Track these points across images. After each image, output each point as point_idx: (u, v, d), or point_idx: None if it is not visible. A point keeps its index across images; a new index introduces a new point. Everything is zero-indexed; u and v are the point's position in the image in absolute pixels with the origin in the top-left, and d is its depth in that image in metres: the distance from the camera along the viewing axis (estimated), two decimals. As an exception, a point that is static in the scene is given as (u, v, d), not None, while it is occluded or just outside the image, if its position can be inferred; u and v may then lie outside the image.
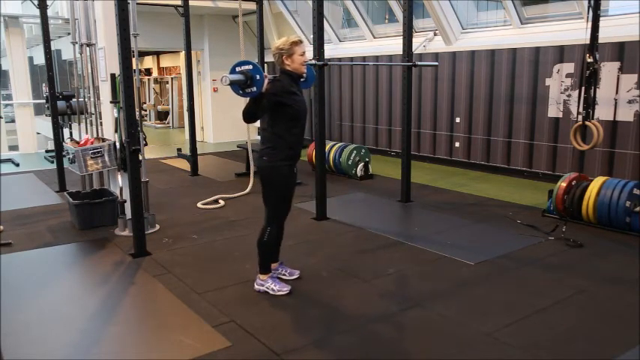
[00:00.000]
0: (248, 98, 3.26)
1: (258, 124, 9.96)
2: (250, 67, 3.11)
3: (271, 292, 3.48)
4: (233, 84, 3.13)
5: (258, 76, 3.09)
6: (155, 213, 5.16)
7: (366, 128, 9.54)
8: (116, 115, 4.90)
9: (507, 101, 7.22)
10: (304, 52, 3.38)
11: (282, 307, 3.34)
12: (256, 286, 3.54)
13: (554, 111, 6.69)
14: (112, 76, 4.75)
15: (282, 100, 3.25)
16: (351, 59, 9.44)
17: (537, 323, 3.08)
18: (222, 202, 5.99)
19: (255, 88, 3.11)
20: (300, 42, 3.35)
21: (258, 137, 9.47)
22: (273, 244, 3.58)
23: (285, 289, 3.49)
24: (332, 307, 3.34)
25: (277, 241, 3.69)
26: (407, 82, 5.78)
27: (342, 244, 4.59)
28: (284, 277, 3.72)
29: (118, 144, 4.83)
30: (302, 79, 3.46)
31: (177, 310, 3.32)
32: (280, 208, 3.54)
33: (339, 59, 9.73)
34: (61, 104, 7.75)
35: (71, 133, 7.66)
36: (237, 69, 3.13)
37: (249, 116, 3.34)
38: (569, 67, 6.47)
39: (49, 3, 6.81)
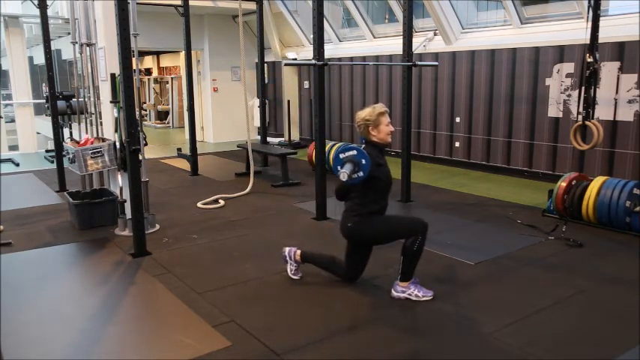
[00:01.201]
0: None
1: (257, 123, 9.98)
2: (355, 152, 3.12)
3: (414, 299, 3.37)
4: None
5: (364, 161, 3.11)
6: (155, 213, 5.16)
7: (366, 128, 9.52)
8: (116, 115, 4.90)
9: (507, 101, 7.22)
10: (389, 122, 3.39)
11: (282, 307, 3.34)
12: (395, 293, 3.41)
13: (554, 111, 6.70)
14: (112, 76, 4.75)
15: (373, 174, 3.24)
16: (351, 59, 9.44)
17: (537, 323, 3.08)
18: (222, 202, 5.99)
19: (362, 173, 3.12)
20: (386, 112, 3.37)
21: (258, 137, 9.47)
22: (422, 250, 3.35)
23: (429, 294, 3.40)
24: (332, 307, 3.34)
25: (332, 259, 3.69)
26: (407, 82, 5.78)
27: (342, 244, 4.56)
28: (289, 272, 3.77)
29: (118, 144, 4.83)
30: (387, 148, 3.47)
31: (177, 310, 3.32)
32: (404, 220, 3.49)
33: (339, 59, 9.73)
34: (61, 104, 7.76)
35: (71, 133, 7.66)
36: (342, 155, 3.14)
37: (343, 195, 3.46)
38: (569, 67, 6.47)
39: (49, 3, 6.81)
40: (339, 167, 3.13)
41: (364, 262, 3.61)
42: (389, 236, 3.46)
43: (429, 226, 3.33)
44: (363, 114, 3.37)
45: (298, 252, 3.72)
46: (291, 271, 3.73)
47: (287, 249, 3.77)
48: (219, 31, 11.14)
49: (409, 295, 3.40)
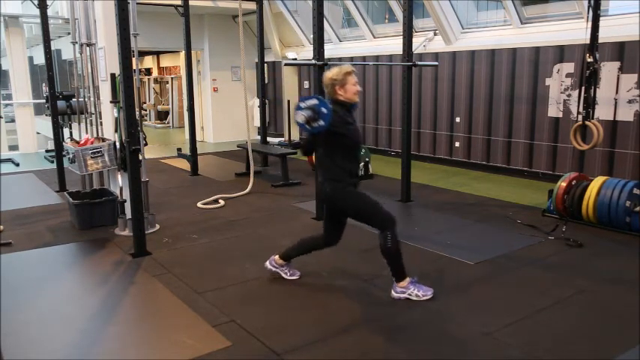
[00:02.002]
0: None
1: (257, 123, 9.98)
2: (316, 101, 3.10)
3: (415, 299, 3.37)
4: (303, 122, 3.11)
5: (325, 110, 3.08)
6: (155, 213, 5.16)
7: (366, 128, 9.54)
8: (116, 115, 4.90)
9: (507, 101, 7.22)
10: (356, 82, 3.38)
11: (282, 307, 3.34)
12: (395, 294, 3.40)
13: (554, 111, 6.70)
14: (112, 76, 4.75)
15: (339, 131, 3.24)
16: (351, 59, 9.43)
17: (537, 323, 3.08)
18: (222, 202, 5.99)
19: (322, 122, 3.10)
20: (352, 72, 3.36)
21: (258, 137, 9.47)
22: (398, 246, 3.36)
23: (429, 292, 3.40)
24: (332, 307, 3.34)
25: (317, 244, 3.70)
26: (407, 82, 5.78)
27: (341, 244, 4.57)
28: (285, 276, 3.73)
29: (118, 144, 4.83)
30: (354, 108, 3.45)
31: (177, 309, 3.32)
32: (377, 208, 3.37)
33: (339, 59, 9.72)
34: (61, 104, 7.76)
35: (71, 133, 7.66)
36: (303, 104, 3.12)
37: (308, 149, 3.47)
38: (569, 67, 6.47)
39: (49, 3, 6.80)
40: (297, 111, 3.11)
41: (340, 228, 3.62)
42: (360, 217, 3.43)
43: (396, 222, 3.35)
44: (330, 73, 3.35)
45: (276, 256, 3.74)
46: (286, 274, 3.73)
47: (266, 264, 3.77)
48: (219, 31, 11.14)
49: (409, 295, 3.39)
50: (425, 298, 3.37)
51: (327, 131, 3.16)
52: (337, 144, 3.30)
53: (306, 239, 3.72)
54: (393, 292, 3.43)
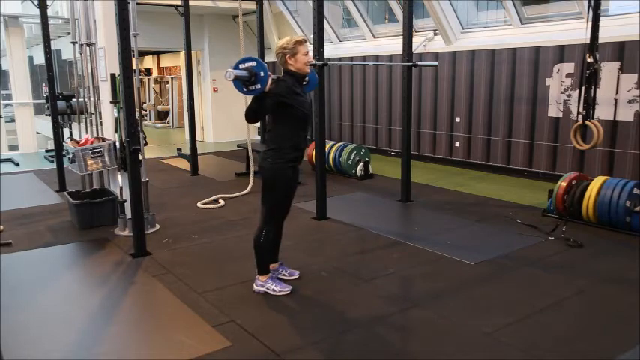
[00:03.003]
0: (250, 98, 3.24)
1: (259, 124, 9.98)
2: (254, 63, 3.05)
3: (272, 293, 3.47)
4: (236, 80, 3.06)
5: (262, 73, 3.03)
6: (155, 213, 5.16)
7: (366, 128, 9.54)
8: (116, 115, 4.90)
9: (507, 101, 7.22)
10: (308, 52, 3.34)
11: (282, 307, 3.34)
12: (256, 287, 3.53)
13: (554, 111, 6.69)
14: (112, 76, 4.75)
15: (285, 101, 3.21)
16: (351, 59, 9.44)
17: (537, 323, 3.08)
18: (222, 202, 5.99)
19: (259, 85, 3.05)
20: (304, 41, 3.32)
21: (258, 137, 9.47)
22: (271, 245, 3.55)
23: (286, 289, 3.49)
24: (332, 307, 3.34)
25: (275, 242, 3.67)
26: (407, 82, 5.78)
27: (342, 244, 4.59)
28: (284, 277, 3.72)
29: (118, 144, 4.83)
30: (305, 81, 3.43)
31: (177, 310, 3.32)
32: (279, 209, 3.51)
33: (339, 59, 9.73)
34: (61, 104, 7.75)
35: (71, 133, 7.66)
36: (241, 65, 3.07)
37: (251, 116, 3.35)
38: (569, 67, 6.47)
39: (49, 3, 6.80)
40: (230, 69, 3.05)
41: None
42: (262, 201, 3.44)
43: (282, 224, 3.45)
44: (281, 42, 3.31)
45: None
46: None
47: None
48: (219, 31, 11.13)
49: (267, 289, 3.47)
50: (281, 293, 3.44)
51: (273, 100, 3.14)
52: (284, 114, 3.26)
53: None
54: (254, 285, 3.52)
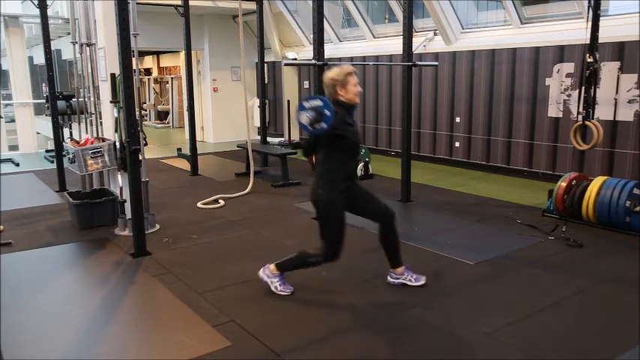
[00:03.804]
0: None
1: (257, 123, 9.98)
2: (320, 102, 3.08)
3: (273, 289, 3.48)
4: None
5: (327, 112, 3.07)
6: (155, 213, 5.16)
7: (366, 128, 9.54)
8: (116, 115, 4.90)
9: (507, 101, 7.22)
10: (357, 83, 3.36)
11: (282, 307, 3.34)
12: (261, 274, 3.52)
13: (554, 111, 6.70)
14: (112, 76, 4.75)
15: (339, 133, 3.21)
16: (351, 59, 9.43)
17: (537, 323, 3.08)
18: (222, 202, 5.99)
19: (324, 124, 3.08)
20: (354, 72, 3.34)
21: (258, 137, 9.47)
22: (309, 266, 3.47)
23: (287, 290, 3.48)
24: (332, 307, 3.34)
25: (395, 244, 3.61)
26: (407, 82, 5.78)
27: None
28: (410, 282, 3.60)
29: (118, 144, 4.83)
30: (354, 109, 3.43)
31: (177, 310, 3.32)
32: (338, 243, 3.39)
33: (339, 59, 9.72)
34: (61, 104, 7.75)
35: (71, 133, 7.66)
36: (306, 104, 3.11)
37: (309, 151, 3.46)
38: (569, 67, 6.47)
39: (49, 3, 6.80)
40: (300, 112, 3.09)
41: (369, 211, 3.55)
42: (322, 230, 3.39)
43: (334, 260, 3.39)
44: (331, 74, 3.33)
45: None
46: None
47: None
48: (219, 31, 11.13)
49: (270, 282, 3.50)
50: (282, 293, 3.47)
51: (329, 133, 3.15)
52: (336, 145, 3.28)
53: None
54: (261, 271, 3.56)
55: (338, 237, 3.37)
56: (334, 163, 3.32)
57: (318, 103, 3.07)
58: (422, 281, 3.61)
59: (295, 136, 10.82)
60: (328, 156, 3.33)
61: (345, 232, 3.40)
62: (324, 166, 3.35)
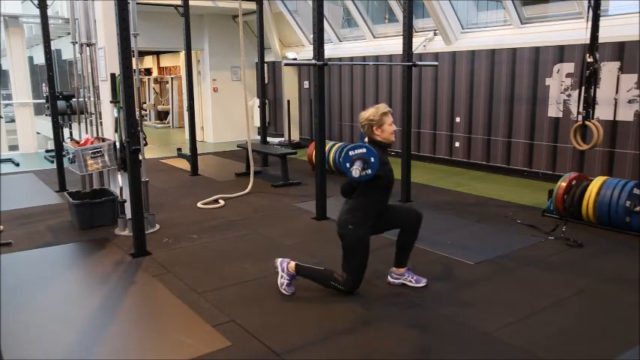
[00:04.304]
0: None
1: (257, 123, 9.98)
2: (364, 150, 3.17)
3: (278, 282, 3.50)
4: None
5: (372, 159, 3.16)
6: (155, 213, 5.16)
7: (366, 128, 9.52)
8: (116, 115, 4.90)
9: (507, 101, 7.22)
10: (392, 122, 3.41)
11: (282, 306, 3.34)
12: (278, 263, 3.52)
13: (554, 111, 6.70)
14: (112, 76, 4.75)
15: (379, 174, 3.25)
16: (351, 59, 9.44)
17: (537, 323, 3.08)
18: (222, 202, 5.99)
19: (370, 171, 3.16)
20: (390, 112, 3.39)
21: (258, 137, 9.47)
22: (327, 287, 3.48)
23: (290, 291, 3.48)
24: (332, 307, 3.34)
25: (407, 248, 3.62)
26: (407, 82, 5.78)
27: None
28: (410, 283, 3.61)
29: (118, 144, 4.83)
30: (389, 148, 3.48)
31: (177, 309, 3.32)
32: (361, 274, 3.43)
33: (339, 59, 9.73)
34: (61, 104, 7.75)
35: (71, 133, 7.67)
36: (351, 153, 3.19)
37: (349, 193, 3.48)
38: (569, 67, 6.47)
39: (49, 3, 6.80)
40: (348, 164, 3.18)
41: (362, 267, 3.47)
42: (346, 259, 3.42)
43: (353, 292, 3.43)
44: (367, 114, 3.39)
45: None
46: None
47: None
48: (219, 31, 11.13)
49: (281, 276, 3.50)
50: (284, 292, 3.48)
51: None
52: (373, 184, 3.33)
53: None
54: (280, 262, 3.54)
55: (361, 269, 3.43)
56: (369, 200, 3.38)
57: (362, 151, 3.18)
58: (422, 283, 3.62)
59: (295, 136, 10.83)
60: (364, 194, 3.38)
61: (367, 262, 3.44)
62: (358, 203, 3.40)
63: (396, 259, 3.63)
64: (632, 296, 3.44)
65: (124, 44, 4.02)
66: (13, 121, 11.00)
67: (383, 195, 3.44)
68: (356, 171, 3.12)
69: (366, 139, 3.43)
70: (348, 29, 10.06)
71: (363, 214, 3.38)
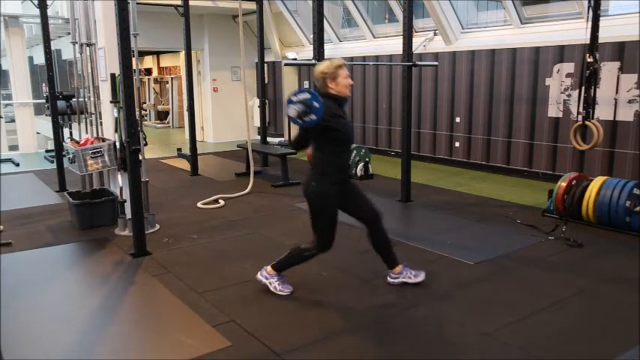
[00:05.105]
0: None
1: (257, 123, 9.98)
2: (308, 95, 3.08)
3: (272, 289, 3.48)
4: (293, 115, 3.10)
5: (317, 104, 3.07)
6: (155, 213, 5.16)
7: (366, 128, 9.54)
8: (116, 115, 4.90)
9: (507, 101, 7.22)
10: (348, 75, 3.37)
11: (282, 306, 3.34)
12: (259, 276, 3.52)
13: (554, 111, 6.70)
14: (112, 76, 4.75)
15: (330, 125, 3.21)
16: (351, 59, 9.43)
17: (537, 323, 3.08)
18: (222, 202, 5.99)
19: (314, 117, 3.08)
20: (344, 65, 3.35)
21: (258, 137, 9.48)
22: (304, 260, 3.48)
23: (287, 290, 3.48)
24: (332, 307, 3.34)
25: (387, 245, 3.59)
26: (407, 82, 5.78)
27: (342, 244, 4.57)
28: (409, 280, 3.60)
29: (118, 144, 4.83)
30: (346, 102, 3.43)
31: (177, 310, 3.32)
32: (332, 230, 3.40)
33: (339, 59, 9.71)
34: (61, 104, 7.75)
35: (71, 133, 7.66)
36: (294, 98, 3.11)
37: (300, 144, 3.43)
38: (569, 67, 6.47)
39: (49, 3, 6.80)
40: (289, 105, 3.09)
41: (360, 213, 3.51)
42: (313, 223, 3.39)
43: (326, 251, 3.40)
44: (321, 67, 3.33)
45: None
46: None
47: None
48: (219, 31, 11.13)
49: (269, 283, 3.50)
50: (281, 293, 3.47)
51: (318, 125, 3.15)
52: (328, 138, 3.27)
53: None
54: (259, 273, 3.55)
55: (330, 227, 3.38)
56: (326, 155, 3.31)
57: (306, 95, 3.07)
58: (421, 277, 3.61)
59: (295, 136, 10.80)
60: (320, 149, 3.33)
61: (336, 222, 3.40)
62: (317, 159, 3.35)
63: (386, 261, 3.61)
64: (632, 296, 3.44)
65: (124, 44, 4.02)
66: (13, 121, 11.00)
67: (342, 150, 3.36)
68: (293, 111, 3.02)
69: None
70: (348, 29, 10.06)
71: (324, 170, 3.32)
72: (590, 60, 4.83)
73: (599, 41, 4.91)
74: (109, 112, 5.05)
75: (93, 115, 5.56)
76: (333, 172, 3.33)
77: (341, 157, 3.37)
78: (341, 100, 3.36)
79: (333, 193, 3.34)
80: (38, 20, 7.07)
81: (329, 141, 3.29)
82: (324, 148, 3.31)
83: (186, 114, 8.37)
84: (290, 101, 3.10)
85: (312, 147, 3.39)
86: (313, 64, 5.03)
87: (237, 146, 8.19)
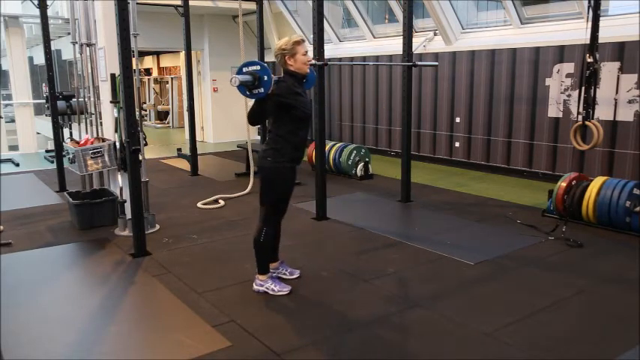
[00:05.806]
0: (252, 99, 3.25)
1: (258, 124, 9.98)
2: (258, 67, 3.06)
3: (271, 293, 3.48)
4: (241, 85, 3.09)
5: (265, 77, 3.05)
6: (155, 213, 5.16)
7: (366, 128, 9.54)
8: (116, 115, 4.90)
9: (507, 101, 7.21)
10: (307, 52, 3.35)
11: (282, 307, 3.34)
12: (255, 287, 3.53)
13: (554, 111, 6.69)
14: (112, 76, 4.75)
15: (287, 102, 3.21)
16: (351, 59, 9.44)
17: (537, 323, 3.08)
18: (222, 202, 5.99)
19: (262, 89, 3.07)
20: (302, 41, 3.33)
21: (258, 137, 9.48)
22: (270, 244, 3.55)
23: (285, 289, 3.49)
24: (332, 307, 3.34)
25: (275, 241, 3.67)
26: (407, 82, 5.78)
27: (342, 244, 4.59)
28: (284, 276, 3.72)
29: (118, 144, 4.83)
30: (305, 80, 3.43)
31: (177, 310, 3.32)
32: (278, 209, 3.51)
33: (339, 59, 9.73)
34: (61, 104, 7.75)
35: (71, 133, 7.66)
36: (245, 69, 3.09)
37: (254, 118, 3.40)
38: (569, 67, 6.47)
39: (49, 3, 6.80)
40: (236, 75, 3.07)
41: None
42: (261, 199, 3.45)
43: (280, 223, 3.48)
44: (280, 43, 3.32)
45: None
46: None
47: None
48: (219, 31, 11.13)
49: (266, 289, 3.48)
50: (280, 293, 3.45)
51: (275, 101, 3.15)
52: (285, 115, 3.26)
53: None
54: (254, 284, 3.54)
55: (278, 203, 3.42)
56: (283, 131, 3.31)
57: (256, 68, 3.05)
58: (296, 274, 3.74)
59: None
60: (277, 126, 3.32)
61: (287, 200, 3.44)
62: (273, 135, 3.35)
63: (272, 256, 3.69)
64: (632, 296, 3.44)
65: (124, 44, 4.02)
66: (13, 121, 11.00)
67: (299, 128, 3.34)
68: (235, 80, 3.01)
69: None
70: (348, 29, 10.06)
71: (280, 147, 3.32)
72: (590, 60, 4.82)
73: (599, 41, 4.90)
74: (109, 113, 5.05)
75: (93, 116, 5.56)
76: (288, 149, 3.33)
77: (298, 135, 3.36)
78: (300, 77, 3.35)
79: (287, 171, 3.37)
80: (38, 20, 7.07)
81: (286, 118, 3.28)
82: (281, 125, 3.31)
83: (186, 114, 8.38)
84: (239, 71, 3.08)
85: (269, 123, 3.38)
86: (313, 65, 5.04)
87: (237, 146, 8.19)
